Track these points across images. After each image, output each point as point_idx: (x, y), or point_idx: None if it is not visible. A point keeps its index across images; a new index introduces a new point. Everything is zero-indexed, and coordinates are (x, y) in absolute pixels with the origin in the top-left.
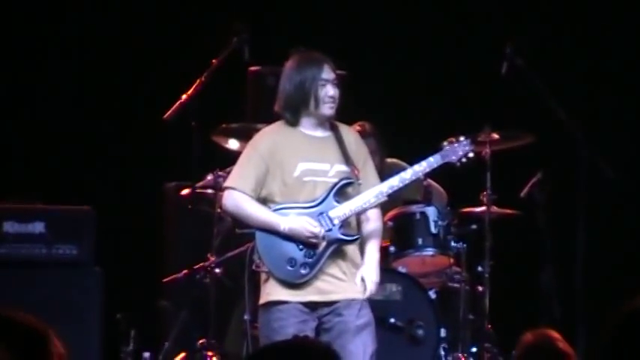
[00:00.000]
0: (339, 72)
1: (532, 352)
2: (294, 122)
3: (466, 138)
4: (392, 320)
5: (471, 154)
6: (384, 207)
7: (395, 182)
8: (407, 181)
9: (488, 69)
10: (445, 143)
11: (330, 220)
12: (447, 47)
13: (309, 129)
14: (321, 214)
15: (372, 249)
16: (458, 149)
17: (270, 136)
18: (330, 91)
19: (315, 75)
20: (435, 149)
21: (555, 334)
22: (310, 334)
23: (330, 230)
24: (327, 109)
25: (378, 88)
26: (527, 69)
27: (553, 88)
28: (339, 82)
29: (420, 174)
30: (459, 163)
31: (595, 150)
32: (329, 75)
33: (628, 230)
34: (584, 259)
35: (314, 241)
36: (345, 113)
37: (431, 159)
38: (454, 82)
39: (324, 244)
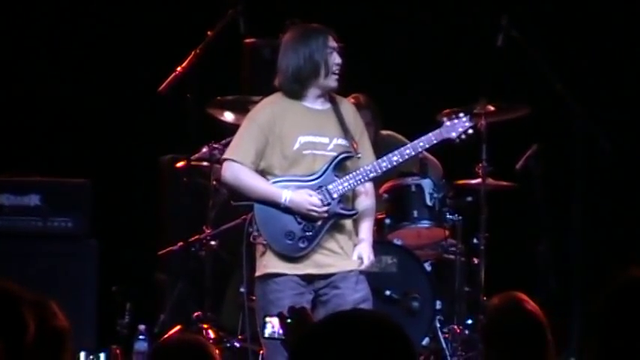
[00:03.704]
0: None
1: (500, 315)
2: (298, 95)
3: (466, 114)
4: (387, 292)
5: (470, 131)
6: (379, 179)
7: (394, 158)
8: (406, 157)
9: (484, 40)
10: (445, 119)
11: (330, 194)
12: (443, 18)
13: (309, 101)
14: (320, 187)
15: (368, 226)
16: (458, 126)
17: (270, 108)
18: (336, 58)
19: (322, 44)
20: (432, 122)
21: (522, 296)
22: (306, 306)
23: (329, 204)
24: (333, 81)
25: (372, 59)
26: (524, 41)
27: (549, 59)
28: (342, 52)
29: (420, 150)
30: (458, 140)
31: (591, 122)
32: (334, 43)
33: (624, 203)
34: (580, 231)
35: (314, 214)
36: (340, 85)
37: (430, 136)
38: (450, 53)
39: (323, 218)
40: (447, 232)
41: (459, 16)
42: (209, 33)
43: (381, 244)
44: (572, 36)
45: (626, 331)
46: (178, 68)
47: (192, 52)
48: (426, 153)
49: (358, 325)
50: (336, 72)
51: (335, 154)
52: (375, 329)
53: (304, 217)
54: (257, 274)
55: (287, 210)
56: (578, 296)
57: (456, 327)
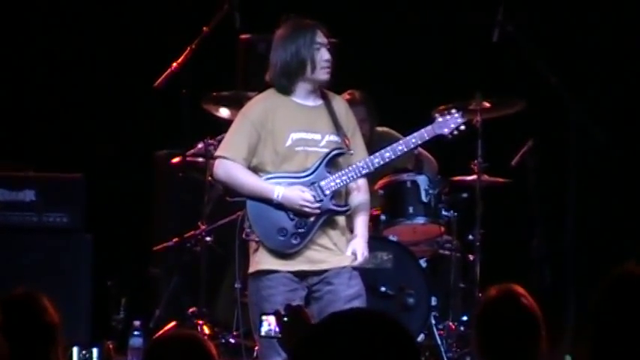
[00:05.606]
0: (330, 39)
1: (493, 307)
2: (288, 90)
3: (458, 110)
4: (383, 288)
5: (462, 127)
6: (375, 175)
7: (387, 154)
8: (399, 153)
9: (480, 36)
10: (437, 115)
11: (322, 190)
12: (438, 13)
13: (301, 98)
14: (313, 184)
15: (362, 222)
16: (450, 122)
17: (262, 105)
18: (325, 55)
19: (309, 39)
20: (426, 119)
21: (519, 289)
22: (299, 302)
23: (321, 201)
24: (324, 74)
25: (368, 55)
26: (519, 35)
27: (544, 54)
28: (332, 48)
29: (412, 146)
30: (450, 136)
31: (586, 116)
32: (323, 39)
33: (618, 197)
34: (574, 226)
35: (307, 210)
36: (335, 81)
37: (423, 132)
38: (445, 49)
39: (315, 214)
40: (443, 229)
41: (455, 11)
42: (204, 28)
43: (376, 240)
44: (567, 30)
45: (620, 325)
46: (174, 64)
47: (188, 48)
48: (421, 149)
49: (359, 324)
50: (325, 67)
51: (327, 150)
52: (376, 327)
53: (297, 213)
54: (250, 270)
55: (279, 206)
56: (572, 291)
57: (451, 323)
